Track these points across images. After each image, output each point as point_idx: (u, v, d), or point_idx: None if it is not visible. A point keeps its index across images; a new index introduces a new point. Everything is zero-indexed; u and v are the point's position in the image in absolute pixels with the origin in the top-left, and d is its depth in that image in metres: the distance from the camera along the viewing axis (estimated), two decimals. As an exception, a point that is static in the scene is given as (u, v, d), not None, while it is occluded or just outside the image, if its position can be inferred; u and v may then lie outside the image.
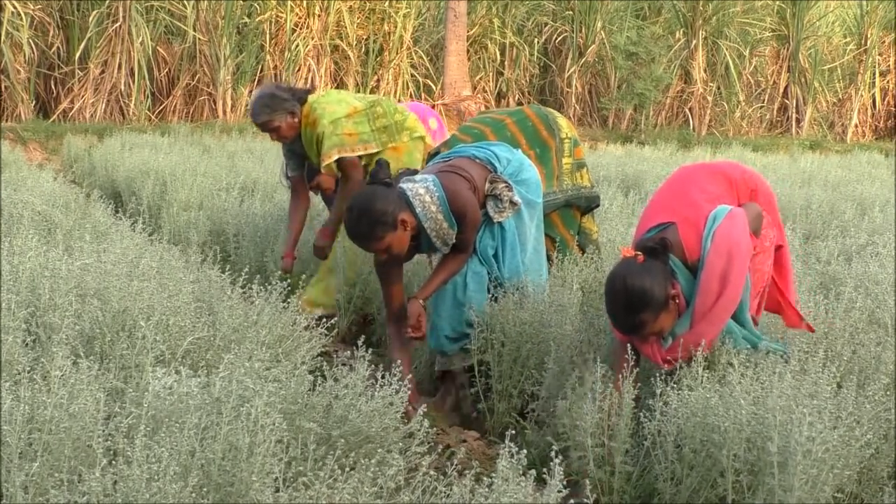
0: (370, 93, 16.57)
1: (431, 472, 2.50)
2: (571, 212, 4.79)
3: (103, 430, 2.48)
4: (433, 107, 15.85)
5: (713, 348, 3.38)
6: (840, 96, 19.59)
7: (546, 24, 18.63)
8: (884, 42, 19.31)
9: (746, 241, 3.35)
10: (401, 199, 3.91)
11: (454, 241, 4.04)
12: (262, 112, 5.05)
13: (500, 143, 4.38)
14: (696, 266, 3.36)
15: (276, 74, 16.08)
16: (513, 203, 4.11)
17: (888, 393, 3.11)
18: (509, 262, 4.16)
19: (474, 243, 4.12)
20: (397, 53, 16.78)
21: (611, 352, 3.60)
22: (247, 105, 15.54)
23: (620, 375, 3.23)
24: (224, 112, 15.45)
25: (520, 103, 18.24)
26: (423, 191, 3.94)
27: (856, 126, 19.12)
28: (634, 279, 3.30)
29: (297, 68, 16.05)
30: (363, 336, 3.68)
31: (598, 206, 4.95)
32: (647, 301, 3.28)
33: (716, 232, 3.35)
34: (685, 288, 3.37)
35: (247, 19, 16.03)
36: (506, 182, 4.10)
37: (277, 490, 2.42)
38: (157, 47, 15.43)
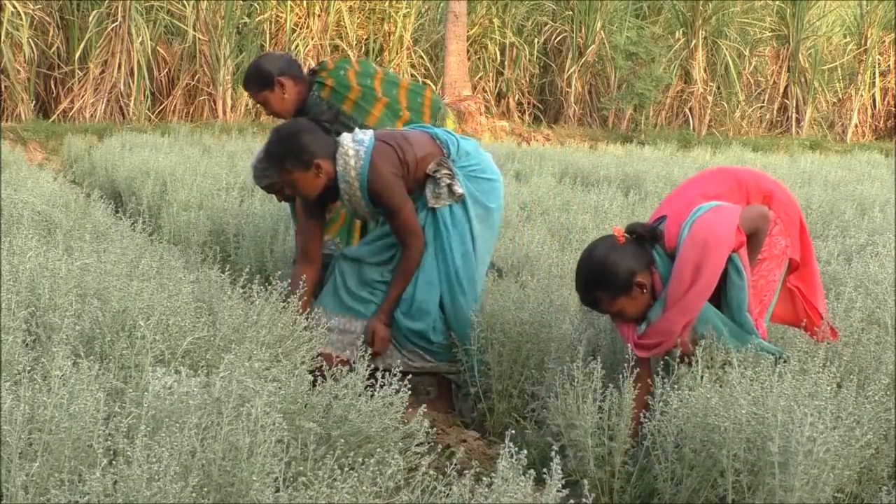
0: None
1: (431, 472, 2.50)
2: None
3: (103, 430, 2.48)
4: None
5: (696, 344, 3.34)
6: (840, 96, 19.60)
7: (546, 24, 18.64)
8: (884, 42, 19.32)
9: (727, 235, 3.29)
10: (329, 147, 3.93)
11: (371, 218, 4.03)
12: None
13: (475, 143, 4.31)
14: (674, 254, 3.35)
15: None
16: (452, 192, 4.01)
17: (888, 393, 3.11)
18: (428, 257, 4.06)
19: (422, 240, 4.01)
20: (397, 53, 16.79)
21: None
22: (247, 105, 15.56)
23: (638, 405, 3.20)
24: (224, 112, 15.46)
25: (520, 103, 18.25)
26: (352, 153, 3.93)
27: (856, 126, 19.12)
28: (601, 255, 3.35)
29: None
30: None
31: None
32: (605, 280, 3.31)
33: (695, 222, 3.33)
34: (664, 276, 3.36)
35: (247, 19, 16.05)
36: (449, 170, 4.02)
37: (277, 490, 2.42)
38: (157, 47, 15.45)
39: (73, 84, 14.86)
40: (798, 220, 3.62)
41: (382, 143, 3.98)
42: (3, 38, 13.98)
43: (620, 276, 3.30)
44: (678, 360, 3.34)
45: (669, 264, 3.35)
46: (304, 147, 3.89)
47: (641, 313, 3.38)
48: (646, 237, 3.37)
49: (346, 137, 3.97)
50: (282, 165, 3.92)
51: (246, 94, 4.81)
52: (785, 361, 3.36)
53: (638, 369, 3.20)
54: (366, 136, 4.01)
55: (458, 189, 4.01)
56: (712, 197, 3.45)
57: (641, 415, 3.14)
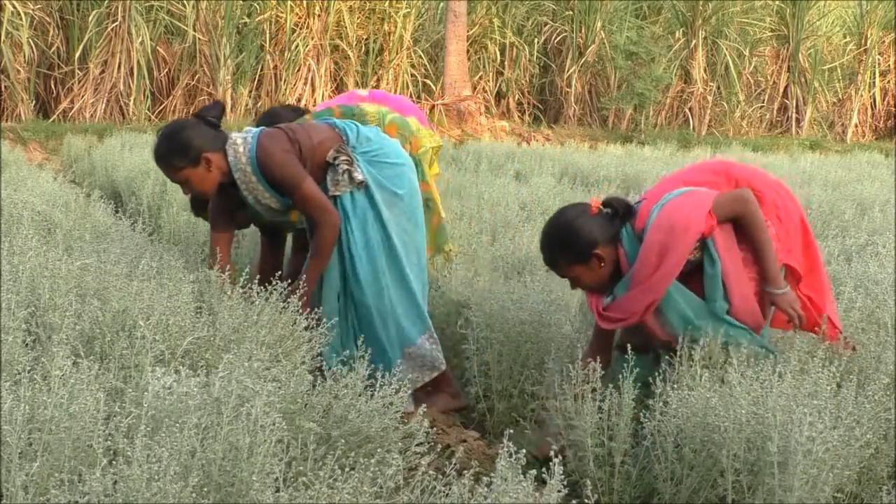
0: (370, 93, 16.56)
1: (431, 472, 2.50)
2: None
3: (103, 430, 2.48)
4: (433, 107, 15.88)
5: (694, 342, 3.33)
6: (840, 96, 19.60)
7: (546, 24, 18.64)
8: (884, 42, 19.32)
9: (696, 220, 3.28)
10: (217, 141, 3.93)
11: (276, 206, 3.98)
12: None
13: (376, 129, 4.24)
14: (642, 235, 3.36)
15: (275, 74, 16.08)
16: (352, 178, 3.95)
17: (888, 393, 3.11)
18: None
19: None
20: (397, 53, 16.78)
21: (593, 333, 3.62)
22: (247, 105, 15.55)
23: (590, 360, 3.26)
24: (224, 112, 15.45)
25: (520, 103, 18.25)
26: (240, 141, 3.93)
27: (856, 126, 19.13)
28: (567, 220, 3.41)
29: (297, 68, 16.06)
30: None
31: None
32: (565, 245, 3.37)
33: (664, 205, 3.34)
34: (631, 255, 3.38)
35: (247, 19, 16.04)
36: (348, 156, 3.96)
37: (278, 490, 2.42)
38: (157, 47, 15.44)
39: (73, 84, 14.86)
40: (797, 225, 3.56)
41: (271, 128, 4.01)
42: (3, 38, 13.98)
43: (581, 244, 3.36)
44: (662, 349, 3.36)
45: (637, 244, 3.36)
46: (187, 141, 3.89)
47: (598, 285, 3.42)
48: (619, 212, 3.40)
49: (235, 132, 3.99)
50: (170, 164, 3.92)
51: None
52: (773, 355, 3.35)
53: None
54: (257, 128, 4.05)
55: (358, 175, 3.95)
56: (694, 185, 3.45)
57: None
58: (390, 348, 3.98)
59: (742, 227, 3.37)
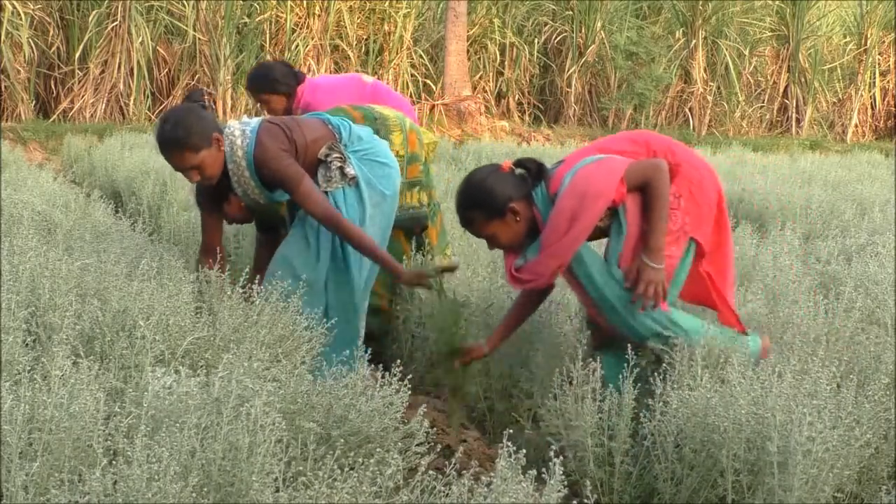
0: (370, 93, 16.56)
1: (431, 472, 2.50)
2: (396, 236, 4.58)
3: (103, 430, 2.48)
4: (433, 107, 15.89)
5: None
6: (840, 96, 19.60)
7: (546, 24, 18.64)
8: (884, 42, 19.31)
9: (607, 187, 3.32)
10: (216, 124, 3.94)
11: (263, 201, 4.00)
12: None
13: (368, 129, 4.28)
14: (555, 199, 3.41)
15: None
16: (344, 174, 3.99)
17: (888, 393, 3.11)
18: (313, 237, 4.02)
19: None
20: (397, 53, 16.78)
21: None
22: (247, 105, 15.56)
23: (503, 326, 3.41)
24: (224, 112, 15.45)
25: (520, 103, 18.25)
26: (238, 133, 3.93)
27: (856, 126, 19.12)
28: (481, 177, 3.48)
29: (297, 68, 16.04)
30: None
31: (425, 227, 4.80)
32: (481, 201, 3.42)
33: (577, 171, 3.38)
34: (544, 216, 3.42)
35: (247, 19, 16.04)
36: (340, 153, 4.00)
37: (277, 490, 2.42)
38: (157, 47, 15.44)
39: (73, 84, 14.86)
40: (713, 203, 3.54)
41: (269, 123, 4.00)
42: (3, 38, 13.97)
43: (496, 199, 3.41)
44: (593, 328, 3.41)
45: (549, 206, 3.41)
46: (204, 122, 3.88)
47: (514, 242, 3.47)
48: (531, 172, 3.45)
49: (231, 122, 3.99)
50: (191, 146, 3.85)
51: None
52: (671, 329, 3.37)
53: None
54: (253, 120, 4.03)
55: (350, 171, 3.99)
56: (615, 153, 3.48)
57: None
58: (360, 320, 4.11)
59: (646, 194, 3.38)
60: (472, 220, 3.49)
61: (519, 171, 3.49)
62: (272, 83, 5.32)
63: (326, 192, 3.98)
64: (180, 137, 3.87)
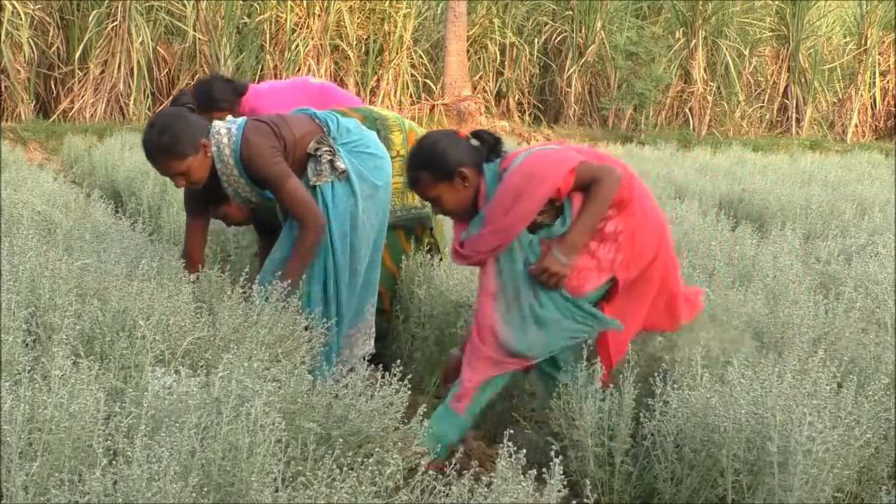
0: (370, 93, 16.59)
1: (430, 472, 2.50)
2: (397, 236, 4.59)
3: (103, 430, 2.48)
4: (433, 107, 15.88)
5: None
6: (840, 96, 19.60)
7: (546, 24, 18.64)
8: (884, 42, 19.31)
9: (556, 173, 3.27)
10: (205, 128, 3.91)
11: (255, 199, 3.98)
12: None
13: (355, 120, 4.25)
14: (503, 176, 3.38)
15: (275, 74, 16.07)
16: (334, 168, 3.97)
17: (888, 393, 3.11)
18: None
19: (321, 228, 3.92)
20: (397, 53, 16.77)
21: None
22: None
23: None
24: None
25: (520, 103, 18.26)
26: (224, 131, 3.91)
27: (856, 126, 19.12)
28: (435, 139, 3.48)
29: (297, 68, 16.04)
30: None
31: (426, 227, 4.76)
32: (431, 161, 3.40)
33: (531, 153, 3.37)
34: (490, 189, 3.39)
35: (247, 19, 16.04)
36: (329, 147, 3.98)
37: (277, 490, 2.42)
38: (157, 47, 15.43)
39: (73, 84, 14.85)
40: (649, 255, 3.39)
41: (256, 121, 3.98)
42: (3, 38, 13.97)
43: (447, 161, 3.39)
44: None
45: (498, 182, 3.38)
46: (191, 130, 3.86)
47: (459, 208, 3.44)
48: (487, 144, 3.44)
49: (217, 122, 3.97)
50: (178, 153, 3.83)
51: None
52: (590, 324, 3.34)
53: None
54: (239, 118, 4.01)
55: (340, 164, 3.97)
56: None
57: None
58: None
59: (588, 191, 3.29)
60: (419, 179, 3.46)
61: (475, 142, 3.48)
62: (212, 102, 5.13)
63: (316, 187, 3.96)
64: (166, 144, 3.85)
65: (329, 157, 3.96)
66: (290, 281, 3.79)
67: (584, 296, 3.35)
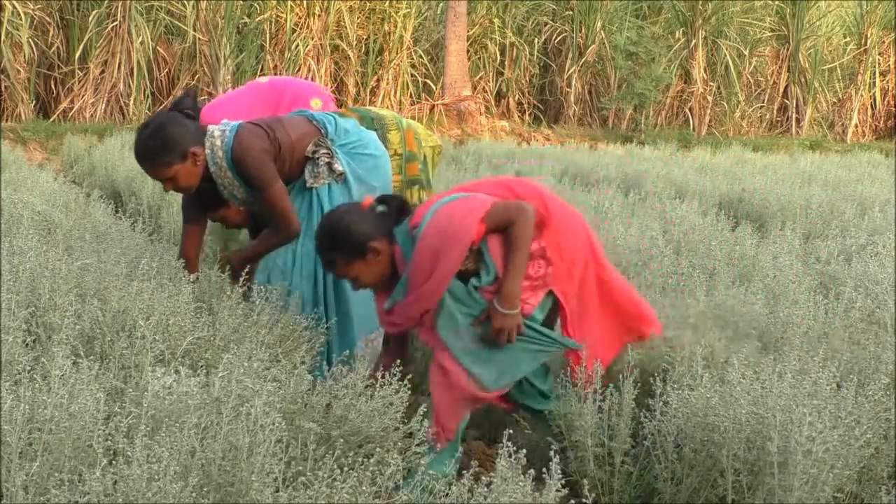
0: (370, 93, 16.59)
1: (430, 472, 2.50)
2: None
3: (103, 430, 2.48)
4: (433, 107, 15.88)
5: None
6: (840, 96, 19.61)
7: (546, 24, 18.65)
8: (884, 42, 19.33)
9: (467, 227, 3.19)
10: (198, 133, 3.89)
11: (250, 200, 3.96)
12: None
13: (354, 120, 4.23)
14: (414, 235, 3.30)
15: (275, 74, 16.07)
16: (332, 170, 3.96)
17: (888, 393, 3.11)
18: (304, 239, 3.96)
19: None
20: (397, 53, 16.78)
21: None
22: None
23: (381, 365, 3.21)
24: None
25: (520, 103, 18.26)
26: (217, 134, 3.89)
27: (856, 126, 19.14)
28: (338, 217, 3.41)
29: (297, 68, 16.05)
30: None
31: None
32: (340, 240, 3.34)
33: (440, 209, 3.28)
34: (406, 253, 3.33)
35: (247, 19, 16.04)
36: (328, 149, 3.97)
37: (277, 490, 2.42)
38: (157, 47, 15.44)
39: (73, 84, 14.86)
40: (580, 261, 3.36)
41: (251, 124, 3.96)
42: (3, 38, 13.97)
43: (356, 238, 3.33)
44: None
45: (411, 243, 3.32)
46: (176, 138, 3.84)
47: (378, 281, 3.39)
48: (392, 209, 3.39)
49: (213, 125, 3.94)
50: (160, 161, 3.83)
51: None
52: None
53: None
54: (235, 122, 4.00)
55: (338, 167, 3.96)
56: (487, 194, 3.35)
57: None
58: (356, 331, 4.03)
59: (507, 237, 3.25)
60: (332, 261, 3.41)
61: (380, 207, 3.41)
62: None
63: (312, 189, 3.96)
64: (153, 150, 3.84)
65: (327, 160, 3.95)
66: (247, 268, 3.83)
67: (530, 316, 3.29)
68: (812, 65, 19.19)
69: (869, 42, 19.16)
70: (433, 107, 15.96)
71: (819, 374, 3.03)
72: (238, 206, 4.12)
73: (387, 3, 16.85)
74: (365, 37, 16.84)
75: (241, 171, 3.89)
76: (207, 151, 3.89)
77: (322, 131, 4.02)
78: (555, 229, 3.31)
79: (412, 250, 3.29)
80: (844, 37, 20.07)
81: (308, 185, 3.97)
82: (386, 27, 16.90)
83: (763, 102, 19.24)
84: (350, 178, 4.00)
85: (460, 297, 3.27)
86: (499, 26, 18.03)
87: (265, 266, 4.04)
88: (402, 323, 3.36)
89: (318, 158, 3.96)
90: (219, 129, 3.92)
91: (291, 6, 16.10)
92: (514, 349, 3.27)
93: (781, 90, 19.27)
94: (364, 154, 4.08)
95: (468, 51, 17.12)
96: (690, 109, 18.18)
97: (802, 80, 19.17)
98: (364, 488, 2.41)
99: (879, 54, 19.36)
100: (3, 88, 14.18)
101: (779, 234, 5.84)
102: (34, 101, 14.91)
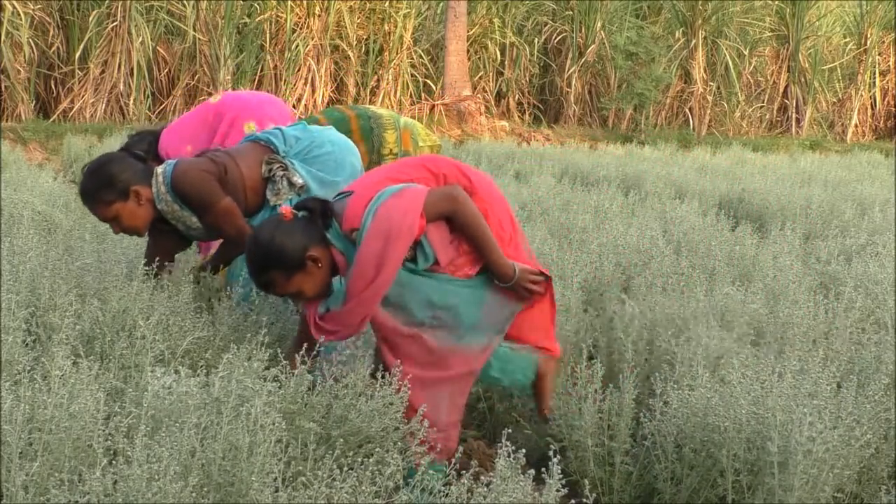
0: (370, 93, 16.60)
1: (430, 472, 2.50)
2: None
3: (103, 430, 2.48)
4: (433, 107, 15.88)
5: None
6: (840, 96, 19.61)
7: (546, 24, 18.64)
8: (884, 42, 19.33)
9: (410, 224, 3.14)
10: (145, 174, 3.82)
11: (204, 231, 3.88)
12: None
13: (303, 124, 4.14)
14: (354, 238, 3.21)
15: (275, 74, 16.08)
16: (292, 184, 3.87)
17: (888, 393, 3.11)
18: None
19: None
20: (397, 53, 16.77)
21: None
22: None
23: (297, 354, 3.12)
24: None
25: (520, 103, 18.26)
26: (160, 170, 3.83)
27: (856, 126, 19.13)
28: (267, 236, 3.23)
29: (297, 68, 16.05)
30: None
31: None
32: (277, 259, 3.19)
33: (378, 209, 3.17)
34: (347, 254, 3.23)
35: (247, 19, 16.03)
36: (281, 163, 3.88)
37: (277, 490, 2.42)
38: (157, 47, 15.43)
39: (73, 84, 14.85)
40: (506, 235, 3.35)
41: (195, 156, 3.90)
42: (3, 38, 13.97)
43: (290, 254, 3.19)
44: None
45: (347, 242, 3.23)
46: (116, 175, 3.78)
47: (321, 291, 3.27)
48: (315, 213, 3.26)
49: (161, 165, 3.88)
50: (99, 199, 3.78)
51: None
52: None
53: None
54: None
55: (298, 180, 3.87)
56: (406, 180, 3.29)
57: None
58: None
59: (457, 226, 3.23)
60: (272, 282, 3.25)
61: (302, 213, 3.30)
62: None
63: (276, 207, 3.83)
64: (93, 188, 3.79)
65: (282, 173, 3.87)
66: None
67: (473, 276, 3.27)
68: (812, 65, 19.19)
69: (869, 42, 19.15)
70: (433, 107, 15.96)
71: (819, 374, 3.03)
72: (198, 238, 4.02)
73: (387, 3, 16.85)
74: (365, 37, 16.83)
75: (184, 198, 3.79)
76: (154, 190, 3.80)
77: (271, 148, 3.93)
78: (481, 198, 3.31)
79: (350, 248, 3.21)
80: (844, 37, 20.06)
81: (272, 203, 3.88)
82: (386, 27, 16.90)
83: (763, 102, 19.23)
84: (312, 185, 3.90)
85: (408, 281, 3.22)
86: (499, 26, 18.02)
87: (247, 280, 3.98)
88: (337, 331, 3.25)
89: (273, 175, 3.88)
90: (162, 167, 3.85)
91: (291, 6, 16.09)
92: (463, 302, 3.23)
93: (781, 90, 19.26)
94: (320, 153, 3.97)
95: (468, 51, 17.11)
96: (690, 109, 18.17)
97: (802, 80, 19.17)
98: (364, 488, 2.41)
99: (879, 54, 19.36)
100: (3, 88, 14.18)
101: (779, 234, 5.84)
102: (34, 101, 14.90)
